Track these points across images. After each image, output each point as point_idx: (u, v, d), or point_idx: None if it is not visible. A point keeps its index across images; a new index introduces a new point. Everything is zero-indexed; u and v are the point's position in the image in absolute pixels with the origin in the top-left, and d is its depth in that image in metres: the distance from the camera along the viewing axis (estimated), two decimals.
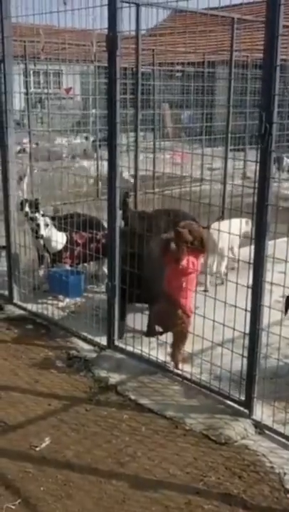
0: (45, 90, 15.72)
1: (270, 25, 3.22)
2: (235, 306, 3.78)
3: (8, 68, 5.29)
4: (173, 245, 4.32)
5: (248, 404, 3.86)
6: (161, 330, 4.70)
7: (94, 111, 12.56)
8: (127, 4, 5.10)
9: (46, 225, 5.59)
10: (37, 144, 14.61)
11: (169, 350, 4.55)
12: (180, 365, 4.44)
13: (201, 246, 4.40)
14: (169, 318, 4.43)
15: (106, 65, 4.33)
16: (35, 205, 5.82)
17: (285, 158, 12.63)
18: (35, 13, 4.91)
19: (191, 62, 13.16)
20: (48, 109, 14.67)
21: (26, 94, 10.34)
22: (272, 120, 3.33)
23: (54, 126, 14.66)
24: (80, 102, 17.41)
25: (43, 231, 5.58)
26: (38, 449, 3.59)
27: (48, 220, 5.67)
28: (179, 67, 15.28)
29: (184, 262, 4.28)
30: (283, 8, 3.21)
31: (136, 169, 6.88)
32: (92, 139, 14.50)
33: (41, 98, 16.70)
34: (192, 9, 6.50)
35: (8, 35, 5.20)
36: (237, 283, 3.79)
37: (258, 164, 3.45)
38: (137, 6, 6.18)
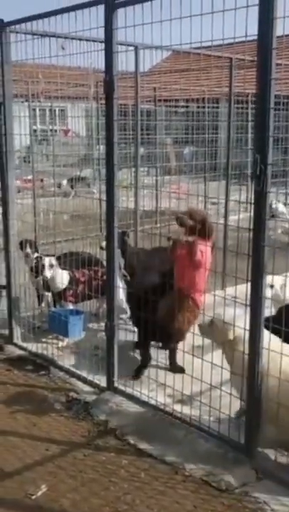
0: (50, 127, 15.99)
1: (262, 70, 3.25)
2: (234, 349, 3.73)
3: (8, 110, 5.37)
4: (180, 237, 4.36)
5: (248, 448, 3.77)
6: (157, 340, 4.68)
7: (97, 148, 12.70)
8: (125, 47, 5.20)
9: (51, 266, 5.61)
10: (42, 180, 14.79)
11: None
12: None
13: (204, 229, 4.39)
14: (178, 306, 4.39)
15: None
16: (31, 245, 5.85)
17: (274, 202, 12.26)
18: (34, 58, 4.98)
19: (193, 98, 13.37)
20: (52, 146, 14.85)
21: (30, 133, 10.45)
22: (266, 162, 3.34)
23: (59, 162, 14.82)
24: (85, 138, 17.63)
25: (47, 272, 5.59)
26: (34, 497, 3.50)
27: (53, 261, 5.68)
28: (182, 103, 15.53)
29: (193, 251, 4.28)
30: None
31: (136, 205, 6.90)
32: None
33: (47, 135, 16.94)
34: (191, 50, 6.60)
35: (9, 78, 5.30)
36: (234, 325, 3.75)
37: (253, 205, 3.45)
38: (136, 48, 6.31)
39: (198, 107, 13.47)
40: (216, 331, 4.03)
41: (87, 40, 4.75)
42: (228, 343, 3.94)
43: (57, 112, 18.13)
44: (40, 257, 5.78)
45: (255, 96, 3.32)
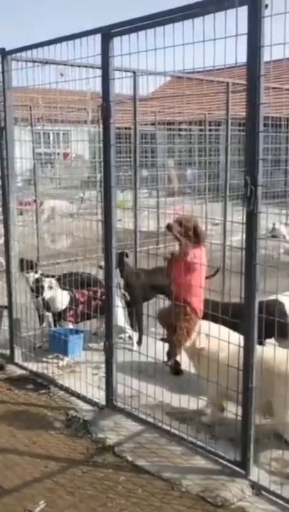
0: (53, 150, 16.26)
1: (251, 95, 3.38)
2: (228, 366, 3.80)
3: (9, 135, 5.52)
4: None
5: (244, 464, 3.82)
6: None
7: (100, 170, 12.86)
8: (124, 73, 5.37)
9: (50, 287, 5.72)
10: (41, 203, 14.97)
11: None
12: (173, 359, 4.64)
13: (195, 235, 4.56)
14: (176, 316, 4.50)
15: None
16: (32, 266, 5.97)
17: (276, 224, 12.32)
18: (34, 84, 5.15)
19: (195, 121, 13.58)
20: (55, 168, 15.09)
21: (33, 157, 10.66)
22: (256, 183, 3.44)
23: (62, 184, 15.02)
24: (87, 161, 17.86)
25: (47, 293, 5.70)
26: None
27: (53, 282, 5.79)
28: (184, 126, 15.74)
29: (185, 254, 4.46)
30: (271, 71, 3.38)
31: (135, 226, 7.03)
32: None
33: (50, 158, 17.18)
34: (188, 76, 6.77)
35: (10, 104, 5.46)
36: (229, 342, 3.83)
37: (245, 226, 3.56)
38: (134, 73, 6.49)
39: (200, 130, 13.69)
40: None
41: (85, 66, 4.91)
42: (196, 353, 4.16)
43: (60, 136, 18.40)
44: (41, 278, 5.88)
45: (245, 120, 3.45)
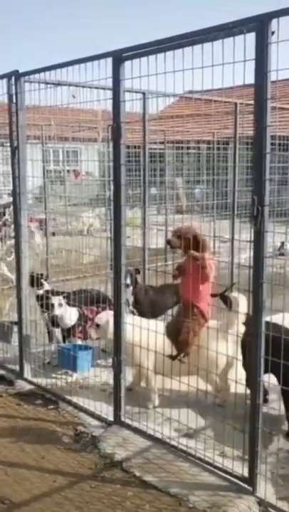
0: (64, 168, 16.43)
1: (258, 117, 3.48)
2: (236, 382, 3.86)
3: (22, 154, 5.64)
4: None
5: (251, 480, 3.86)
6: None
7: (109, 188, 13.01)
8: (135, 94, 5.50)
9: (60, 305, 5.81)
10: (54, 219, 15.14)
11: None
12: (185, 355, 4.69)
13: (197, 244, 4.66)
14: (183, 317, 4.63)
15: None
16: (41, 280, 6.07)
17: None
18: (47, 105, 5.28)
19: (204, 140, 13.77)
20: (65, 186, 15.26)
21: (43, 174, 10.82)
22: (263, 203, 3.53)
23: (72, 202, 15.21)
24: (97, 178, 18.04)
25: (57, 311, 5.79)
26: None
27: (62, 300, 5.87)
28: (192, 144, 15.93)
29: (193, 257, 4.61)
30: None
31: (144, 244, 7.12)
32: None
33: (60, 176, 17.38)
34: (197, 96, 6.89)
35: (23, 124, 5.58)
36: (236, 358, 3.88)
37: (253, 244, 3.63)
38: (144, 94, 6.62)
39: (208, 149, 13.85)
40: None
41: (96, 87, 5.03)
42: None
43: (70, 154, 18.61)
44: (49, 294, 5.96)
45: (253, 141, 3.55)
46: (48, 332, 6.46)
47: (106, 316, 5.22)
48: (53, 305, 5.82)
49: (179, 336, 4.69)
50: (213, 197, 12.12)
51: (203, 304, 4.71)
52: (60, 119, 6.72)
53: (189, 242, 4.69)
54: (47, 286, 6.35)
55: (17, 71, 5.46)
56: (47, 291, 6.18)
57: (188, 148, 15.88)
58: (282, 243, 12.14)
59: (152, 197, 14.45)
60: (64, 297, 5.98)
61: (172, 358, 4.77)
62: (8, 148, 5.71)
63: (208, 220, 12.45)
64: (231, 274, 7.49)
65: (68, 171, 17.31)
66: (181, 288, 4.87)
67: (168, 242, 4.81)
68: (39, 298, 6.17)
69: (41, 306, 6.05)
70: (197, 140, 15.46)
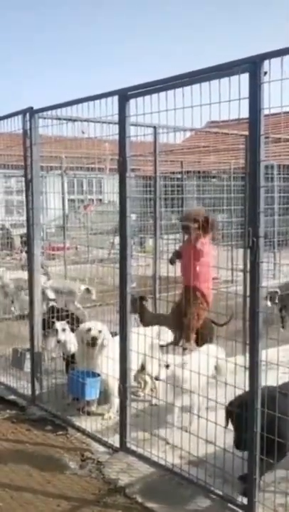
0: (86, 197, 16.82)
1: (252, 153, 3.62)
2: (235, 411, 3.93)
3: (35, 187, 5.87)
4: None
5: (250, 508, 3.89)
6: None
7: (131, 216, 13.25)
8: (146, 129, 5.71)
9: (63, 330, 5.94)
10: (76, 247, 15.43)
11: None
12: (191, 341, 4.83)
13: (207, 225, 5.00)
14: (186, 301, 4.73)
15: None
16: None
17: None
18: (57, 140, 5.51)
19: (223, 171, 14.03)
20: (87, 215, 15.59)
21: (63, 204, 11.11)
22: (258, 234, 3.65)
23: (94, 230, 15.52)
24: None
25: (61, 336, 5.92)
26: None
27: (65, 325, 6.01)
28: (210, 174, 16.15)
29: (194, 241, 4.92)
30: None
31: (155, 272, 7.25)
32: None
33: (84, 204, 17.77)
34: (209, 130, 7.08)
35: (36, 158, 5.82)
36: (235, 386, 3.96)
37: (249, 274, 3.75)
38: (154, 128, 6.83)
39: (221, 179, 14.09)
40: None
41: (104, 122, 5.23)
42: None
43: (94, 183, 18.99)
44: (53, 322, 6.10)
45: (248, 175, 3.69)
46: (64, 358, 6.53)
47: None
48: (57, 330, 5.95)
49: (183, 320, 4.80)
50: (231, 226, 12.26)
51: (203, 286, 4.85)
52: (74, 152, 6.98)
53: (201, 223, 5.00)
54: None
55: (31, 108, 5.72)
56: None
57: (207, 177, 16.14)
58: None
59: (171, 226, 14.66)
60: (67, 322, 6.11)
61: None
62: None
63: (226, 249, 12.57)
64: (236, 303, 7.55)
65: (92, 199, 17.67)
66: (181, 272, 5.06)
67: (183, 227, 5.03)
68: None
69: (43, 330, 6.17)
70: (216, 170, 15.71)
